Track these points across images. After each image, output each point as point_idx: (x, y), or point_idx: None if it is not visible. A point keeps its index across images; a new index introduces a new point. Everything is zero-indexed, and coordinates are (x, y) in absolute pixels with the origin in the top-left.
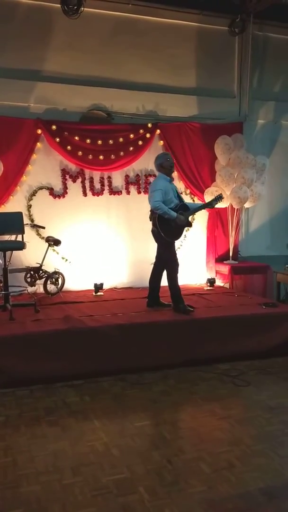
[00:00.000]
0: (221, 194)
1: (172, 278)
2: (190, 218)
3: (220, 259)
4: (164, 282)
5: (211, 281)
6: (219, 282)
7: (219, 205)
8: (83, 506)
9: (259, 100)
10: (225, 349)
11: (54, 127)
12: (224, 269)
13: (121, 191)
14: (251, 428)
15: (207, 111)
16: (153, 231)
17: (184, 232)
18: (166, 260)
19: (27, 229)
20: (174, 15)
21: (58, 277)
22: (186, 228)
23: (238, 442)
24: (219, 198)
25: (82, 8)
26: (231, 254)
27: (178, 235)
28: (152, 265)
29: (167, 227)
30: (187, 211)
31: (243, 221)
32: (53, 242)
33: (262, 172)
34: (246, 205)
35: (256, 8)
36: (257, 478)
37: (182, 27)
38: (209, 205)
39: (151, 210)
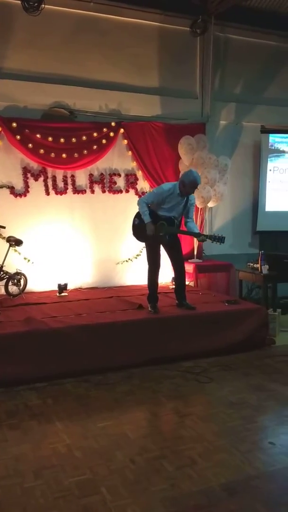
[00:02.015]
0: (224, 237)
1: (148, 277)
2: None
3: (185, 258)
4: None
5: None
6: None
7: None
8: (45, 509)
9: (220, 101)
10: (189, 346)
11: (14, 124)
12: (189, 267)
13: (85, 190)
14: (213, 424)
15: (170, 111)
16: None
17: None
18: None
19: None
20: (136, 15)
21: (20, 278)
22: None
23: (201, 438)
24: (215, 239)
25: (43, 5)
26: (195, 253)
27: (140, 237)
28: (118, 265)
29: (138, 224)
30: (171, 225)
31: (207, 220)
32: (15, 242)
33: (224, 172)
34: (210, 204)
35: (217, 9)
36: (218, 474)
37: (144, 26)
38: (197, 236)
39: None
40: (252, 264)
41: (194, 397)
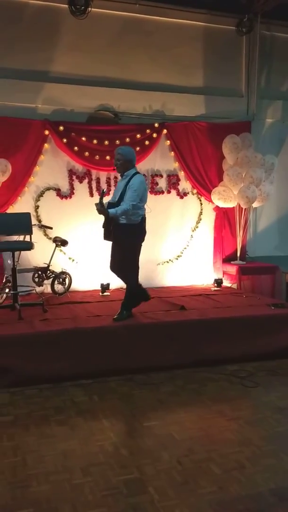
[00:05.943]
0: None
1: None
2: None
3: (228, 260)
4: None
5: (218, 282)
6: (226, 283)
7: (227, 204)
8: (94, 506)
9: (267, 99)
10: (233, 350)
11: (61, 128)
12: (232, 269)
13: None
14: (260, 429)
15: (215, 110)
16: None
17: (190, 232)
18: None
19: (34, 229)
20: (181, 15)
21: (65, 277)
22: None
23: (248, 443)
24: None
25: (90, 9)
26: (238, 254)
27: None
28: (158, 266)
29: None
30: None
31: (251, 221)
32: (60, 242)
33: (270, 171)
34: (254, 204)
35: (264, 8)
36: (267, 479)
37: (189, 26)
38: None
39: None
40: None
41: (240, 401)
